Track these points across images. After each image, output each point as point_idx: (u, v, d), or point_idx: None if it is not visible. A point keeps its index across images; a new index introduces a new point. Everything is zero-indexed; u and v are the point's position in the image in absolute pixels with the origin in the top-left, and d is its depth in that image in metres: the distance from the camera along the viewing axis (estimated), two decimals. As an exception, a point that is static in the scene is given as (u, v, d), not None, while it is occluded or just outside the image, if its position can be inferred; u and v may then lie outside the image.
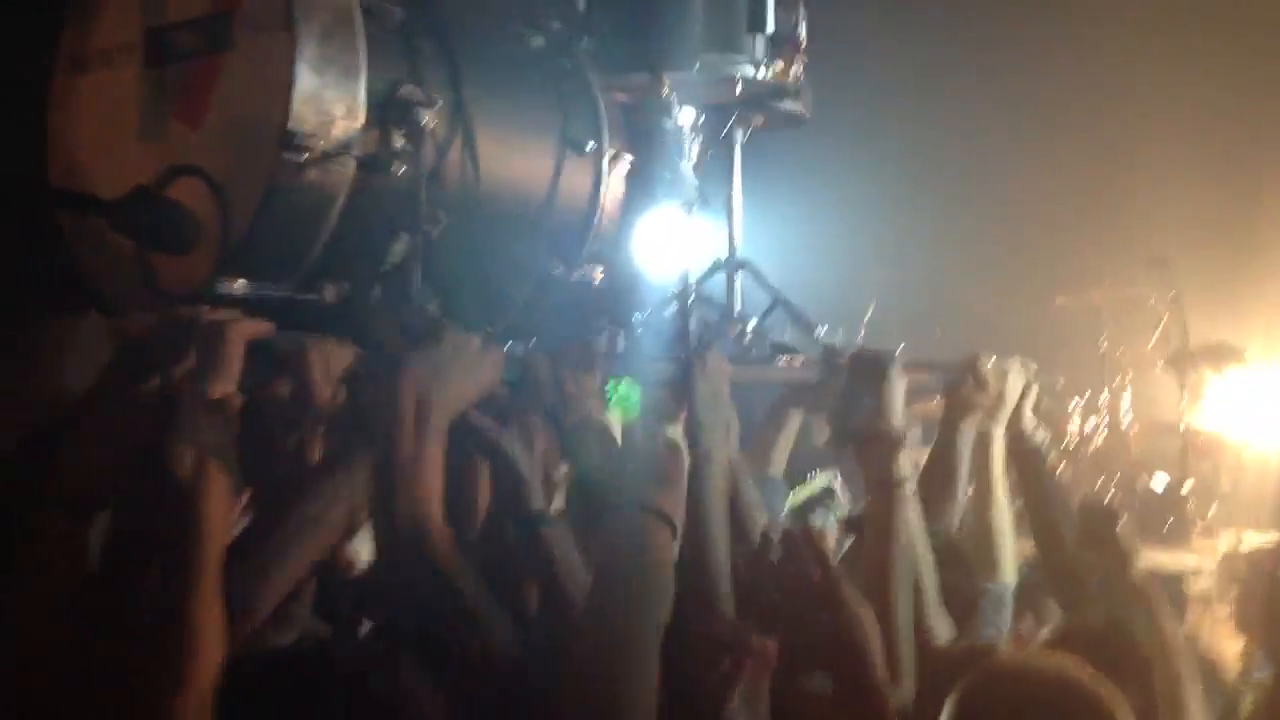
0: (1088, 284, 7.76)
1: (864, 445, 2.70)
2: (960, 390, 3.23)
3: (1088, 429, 7.53)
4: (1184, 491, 6.81)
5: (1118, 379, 7.64)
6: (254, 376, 2.10)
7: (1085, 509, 3.19)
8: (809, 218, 3.71)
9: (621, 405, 2.86)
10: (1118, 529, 2.95)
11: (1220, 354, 7.21)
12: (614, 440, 2.58)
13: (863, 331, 3.39)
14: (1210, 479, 7.05)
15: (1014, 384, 3.28)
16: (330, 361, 2.20)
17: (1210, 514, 6.85)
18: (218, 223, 2.50)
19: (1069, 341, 7.77)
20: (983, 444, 3.25)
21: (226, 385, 1.96)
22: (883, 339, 5.90)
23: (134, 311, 2.49)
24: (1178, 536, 6.54)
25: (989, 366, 3.24)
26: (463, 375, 2.18)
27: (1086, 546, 3.01)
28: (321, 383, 2.18)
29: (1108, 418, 7.57)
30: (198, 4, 2.66)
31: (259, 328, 2.10)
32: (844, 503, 3.89)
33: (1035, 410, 3.37)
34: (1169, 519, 6.64)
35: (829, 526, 3.64)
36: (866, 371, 2.75)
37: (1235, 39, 7.46)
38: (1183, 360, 7.26)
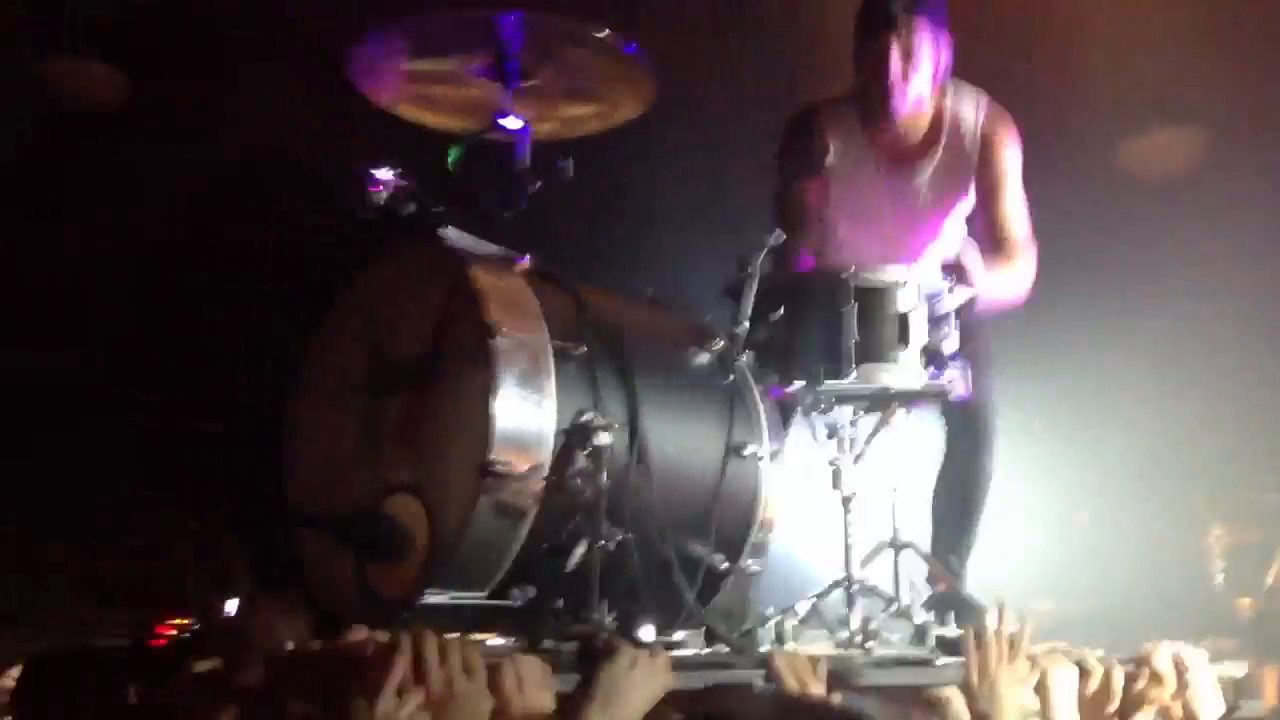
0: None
1: None
2: (1134, 685, 2.97)
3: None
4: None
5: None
6: None
7: None
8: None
9: None
10: None
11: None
12: None
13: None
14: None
15: (1201, 676, 3.00)
16: (523, 673, 2.46)
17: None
18: (426, 537, 2.88)
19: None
20: None
21: None
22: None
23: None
24: None
25: (1164, 655, 3.00)
26: (638, 686, 2.48)
27: None
28: (513, 695, 2.44)
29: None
30: (417, 342, 3.06)
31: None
32: None
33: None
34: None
35: None
36: None
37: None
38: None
